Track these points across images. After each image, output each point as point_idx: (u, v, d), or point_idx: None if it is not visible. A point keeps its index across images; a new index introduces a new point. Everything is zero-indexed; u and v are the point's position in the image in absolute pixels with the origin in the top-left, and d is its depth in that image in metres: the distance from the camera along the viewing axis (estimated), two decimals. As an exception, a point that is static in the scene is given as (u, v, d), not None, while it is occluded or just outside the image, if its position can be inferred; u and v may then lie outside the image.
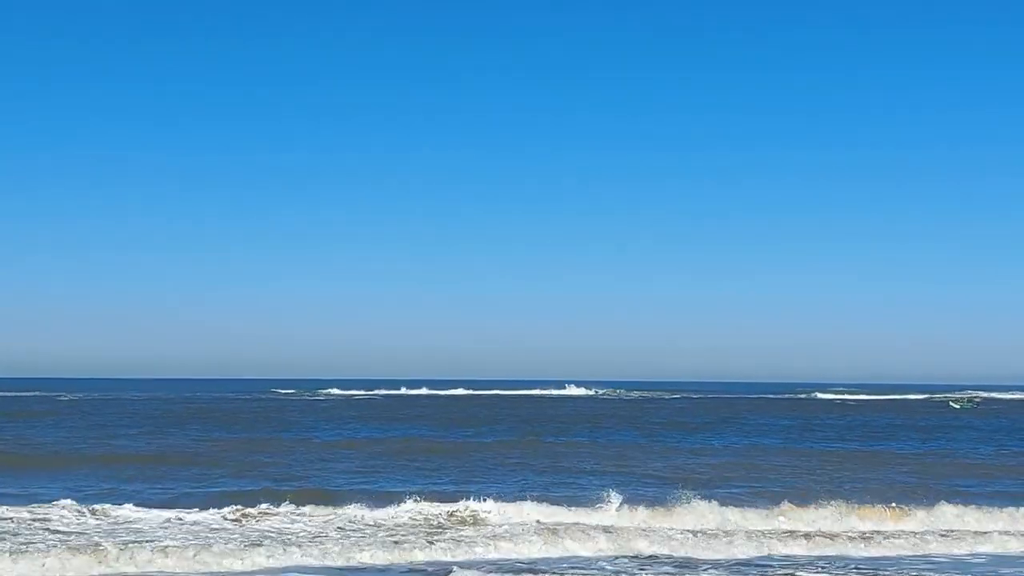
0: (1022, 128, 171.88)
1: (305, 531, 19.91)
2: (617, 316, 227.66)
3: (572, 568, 17.36)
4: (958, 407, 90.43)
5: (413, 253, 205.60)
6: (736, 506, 22.96)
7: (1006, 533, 21.35)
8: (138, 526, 20.01)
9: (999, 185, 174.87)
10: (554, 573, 16.84)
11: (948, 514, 22.82)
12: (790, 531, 21.12)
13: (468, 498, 22.61)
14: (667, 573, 17.17)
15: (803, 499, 23.90)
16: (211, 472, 30.12)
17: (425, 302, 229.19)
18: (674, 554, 18.79)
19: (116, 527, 19.86)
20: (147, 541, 18.16)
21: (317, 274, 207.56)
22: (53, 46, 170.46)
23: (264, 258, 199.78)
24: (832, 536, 20.74)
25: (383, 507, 22.02)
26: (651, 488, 26.63)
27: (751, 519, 22.02)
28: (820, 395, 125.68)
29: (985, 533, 21.27)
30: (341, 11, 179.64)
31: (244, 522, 20.77)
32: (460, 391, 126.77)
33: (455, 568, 16.81)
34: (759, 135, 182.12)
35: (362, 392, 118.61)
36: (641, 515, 22.02)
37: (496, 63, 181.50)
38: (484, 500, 22.39)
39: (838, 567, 17.83)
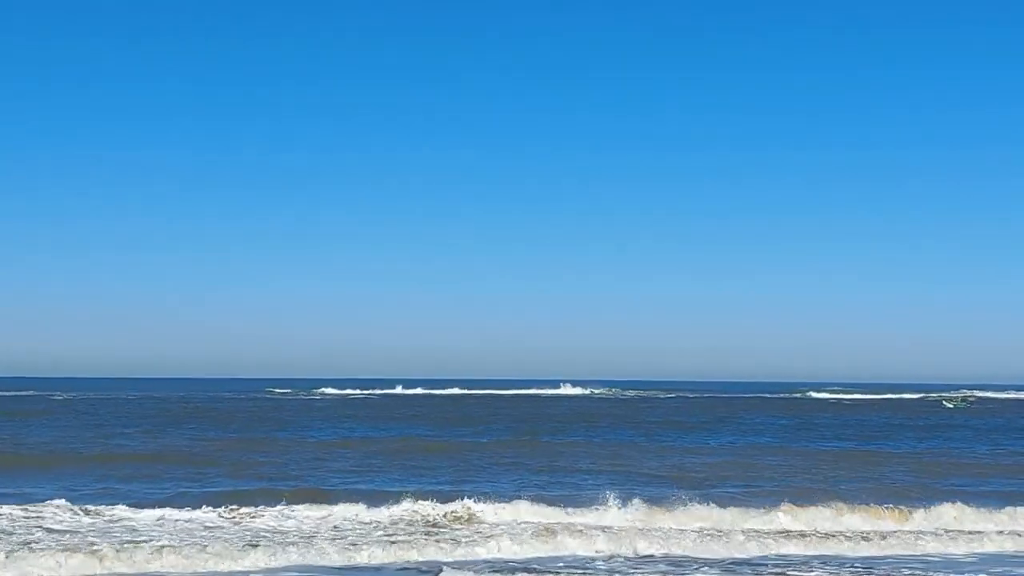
0: (1022, 128, 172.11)
1: (301, 530, 19.88)
2: (617, 316, 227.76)
3: (567, 567, 17.33)
4: (952, 406, 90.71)
5: (413, 253, 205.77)
6: (732, 505, 22.94)
7: (1002, 533, 21.35)
8: (133, 525, 19.96)
9: (999, 185, 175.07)
10: (549, 572, 16.82)
11: (944, 514, 22.81)
12: (786, 530, 21.12)
13: (464, 497, 22.59)
14: (662, 572, 17.15)
15: (799, 498, 23.92)
16: (206, 472, 30.07)
17: (424, 302, 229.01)
18: (670, 553, 18.77)
19: (111, 526, 19.81)
20: (143, 541, 18.12)
21: (316, 274, 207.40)
22: (53, 46, 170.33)
23: (263, 258, 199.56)
24: (828, 535, 20.75)
25: (379, 506, 22.00)
26: (647, 487, 26.60)
27: (747, 518, 21.98)
28: (815, 394, 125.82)
29: (981, 533, 21.27)
30: (341, 11, 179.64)
31: (240, 521, 20.74)
32: (456, 390, 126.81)
33: (445, 568, 16.78)
34: (759, 135, 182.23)
35: (358, 391, 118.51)
36: (637, 514, 21.97)
37: (496, 63, 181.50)
38: (480, 499, 22.38)
39: (834, 566, 17.83)
